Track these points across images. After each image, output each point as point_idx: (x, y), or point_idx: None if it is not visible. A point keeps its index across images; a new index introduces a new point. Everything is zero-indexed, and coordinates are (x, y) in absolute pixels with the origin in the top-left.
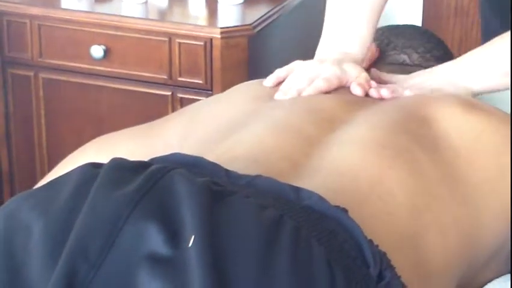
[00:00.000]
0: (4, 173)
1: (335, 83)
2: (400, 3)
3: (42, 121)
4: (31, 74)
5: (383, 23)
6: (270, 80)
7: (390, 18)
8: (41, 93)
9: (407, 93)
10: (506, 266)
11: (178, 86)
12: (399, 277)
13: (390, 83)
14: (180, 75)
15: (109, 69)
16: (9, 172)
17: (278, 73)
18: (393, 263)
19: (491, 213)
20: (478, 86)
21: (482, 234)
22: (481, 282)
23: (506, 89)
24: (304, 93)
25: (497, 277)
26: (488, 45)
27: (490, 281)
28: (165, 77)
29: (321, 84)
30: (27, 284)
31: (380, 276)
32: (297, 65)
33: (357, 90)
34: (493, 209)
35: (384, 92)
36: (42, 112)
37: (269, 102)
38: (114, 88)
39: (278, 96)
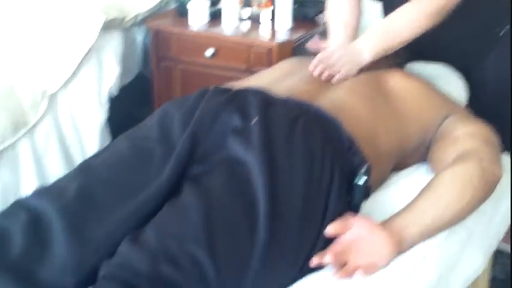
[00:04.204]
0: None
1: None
2: None
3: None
4: (172, 65)
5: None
6: (311, 44)
7: None
8: (179, 78)
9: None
10: (421, 158)
11: (251, 71)
12: (366, 160)
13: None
14: (253, 67)
15: (216, 63)
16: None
17: (320, 52)
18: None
19: (414, 126)
20: (368, 56)
21: (409, 137)
22: (408, 164)
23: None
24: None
25: (417, 163)
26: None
27: (413, 164)
28: (245, 67)
29: (339, 77)
30: (172, 140)
31: (356, 159)
32: (327, 53)
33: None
34: (415, 125)
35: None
36: (179, 93)
37: (301, 68)
38: (218, 74)
39: (315, 73)
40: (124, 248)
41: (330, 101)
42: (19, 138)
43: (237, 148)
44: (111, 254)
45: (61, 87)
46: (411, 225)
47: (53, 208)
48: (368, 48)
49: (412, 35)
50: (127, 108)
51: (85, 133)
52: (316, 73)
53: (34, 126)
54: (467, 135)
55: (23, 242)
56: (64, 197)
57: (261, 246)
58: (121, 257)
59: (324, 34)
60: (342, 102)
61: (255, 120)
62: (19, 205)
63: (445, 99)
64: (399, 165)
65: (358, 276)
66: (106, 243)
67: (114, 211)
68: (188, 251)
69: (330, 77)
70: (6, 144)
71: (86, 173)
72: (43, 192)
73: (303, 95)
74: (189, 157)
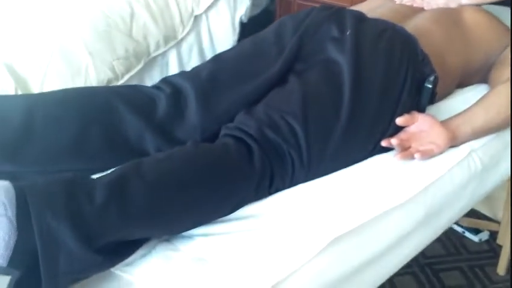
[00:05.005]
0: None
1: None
2: None
3: None
4: (292, 0)
5: None
6: None
7: None
8: (295, 11)
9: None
10: (483, 79)
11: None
12: (435, 71)
13: None
14: (355, 4)
15: (325, 0)
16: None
17: None
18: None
19: (478, 51)
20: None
21: (473, 59)
22: (471, 83)
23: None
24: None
25: (478, 83)
26: None
27: (475, 83)
28: (348, 4)
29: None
30: (284, 42)
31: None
32: None
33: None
34: (480, 50)
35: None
36: None
37: (390, 2)
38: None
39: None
40: (240, 117)
41: (411, 25)
42: (169, 49)
43: (333, 52)
44: (230, 122)
45: (204, 10)
46: (465, 124)
47: (190, 85)
48: None
49: None
50: (253, 33)
51: (219, 49)
52: (398, 1)
53: (181, 40)
54: None
55: (166, 108)
56: (199, 78)
57: (343, 123)
58: (237, 122)
59: None
60: (420, 26)
61: (349, 31)
62: (165, 81)
63: (507, 31)
64: (463, 83)
65: (416, 158)
66: (226, 114)
67: (235, 91)
68: (287, 121)
69: (417, 6)
70: (160, 51)
71: (217, 62)
72: (183, 73)
73: (390, 19)
74: (296, 55)
